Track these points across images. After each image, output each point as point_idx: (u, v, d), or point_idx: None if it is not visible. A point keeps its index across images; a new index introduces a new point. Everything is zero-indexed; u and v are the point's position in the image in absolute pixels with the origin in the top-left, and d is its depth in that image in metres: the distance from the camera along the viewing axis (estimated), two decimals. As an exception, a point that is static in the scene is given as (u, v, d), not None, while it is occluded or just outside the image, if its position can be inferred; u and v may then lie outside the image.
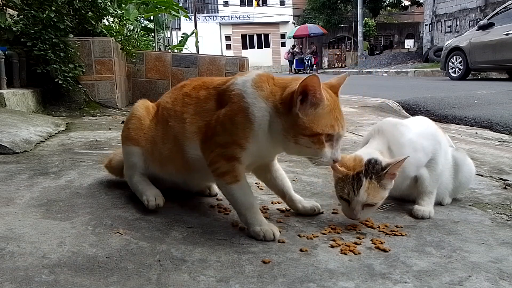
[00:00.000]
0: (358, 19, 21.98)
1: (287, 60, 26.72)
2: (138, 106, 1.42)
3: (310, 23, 27.70)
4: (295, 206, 1.31)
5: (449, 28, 16.98)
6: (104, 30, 4.40)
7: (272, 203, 1.43)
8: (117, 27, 4.82)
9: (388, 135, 1.32)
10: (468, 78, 10.10)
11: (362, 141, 1.45)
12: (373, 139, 1.34)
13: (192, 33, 8.57)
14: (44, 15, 3.45)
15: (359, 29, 22.00)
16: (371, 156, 1.21)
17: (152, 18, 6.70)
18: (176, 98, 1.30)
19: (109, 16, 4.69)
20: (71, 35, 3.80)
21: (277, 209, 1.37)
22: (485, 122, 4.02)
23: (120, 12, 4.78)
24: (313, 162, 1.09)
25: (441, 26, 17.48)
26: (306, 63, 23.81)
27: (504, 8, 9.42)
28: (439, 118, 4.47)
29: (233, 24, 31.71)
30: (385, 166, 1.18)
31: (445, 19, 17.21)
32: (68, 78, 3.66)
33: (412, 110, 5.17)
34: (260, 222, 1.13)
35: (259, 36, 32.76)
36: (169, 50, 7.89)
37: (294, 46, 27.00)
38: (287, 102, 1.05)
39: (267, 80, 1.12)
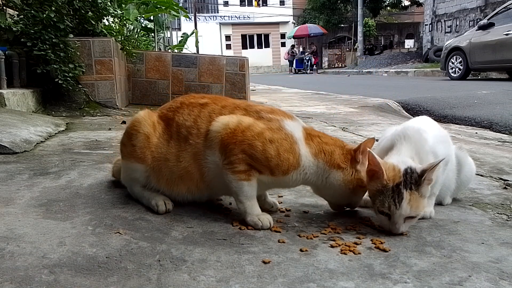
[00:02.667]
0: (358, 19, 21.99)
1: (287, 60, 26.76)
2: (144, 121, 1.34)
3: (310, 23, 27.72)
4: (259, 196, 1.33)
5: (449, 28, 16.97)
6: (104, 30, 4.40)
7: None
8: (117, 27, 4.81)
9: (414, 141, 1.27)
10: (468, 78, 10.11)
11: (383, 145, 1.37)
12: (400, 145, 1.28)
13: (192, 33, 8.56)
14: (44, 15, 3.45)
15: (359, 29, 22.01)
16: (406, 165, 1.15)
17: (152, 18, 6.70)
18: (200, 116, 1.28)
19: (109, 16, 4.68)
20: (71, 35, 3.80)
21: (277, 209, 1.37)
22: (485, 122, 4.02)
23: (120, 12, 4.77)
24: (340, 207, 1.35)
25: (441, 26, 17.48)
26: (306, 63, 23.83)
27: (504, 8, 9.42)
28: (439, 118, 4.47)
29: (233, 24, 31.72)
30: (421, 172, 1.13)
31: (445, 19, 17.21)
32: (68, 78, 3.66)
33: (412, 110, 5.18)
34: (257, 212, 1.23)
35: (259, 36, 32.78)
36: (169, 50, 7.89)
37: (293, 46, 27.01)
38: (348, 159, 1.24)
39: (314, 139, 1.25)
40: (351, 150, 1.24)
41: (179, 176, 1.29)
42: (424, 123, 1.38)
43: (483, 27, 9.40)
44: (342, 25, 28.49)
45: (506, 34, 8.65)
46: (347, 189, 1.24)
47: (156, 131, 1.33)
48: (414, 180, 1.13)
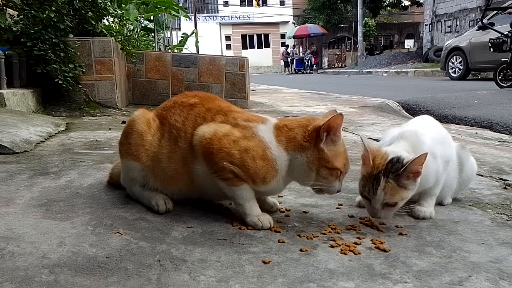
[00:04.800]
0: (358, 19, 21.99)
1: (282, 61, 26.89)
2: (138, 119, 1.36)
3: (310, 23, 27.73)
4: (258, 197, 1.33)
5: (449, 28, 16.98)
6: (104, 30, 4.39)
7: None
8: (117, 27, 4.81)
9: (412, 144, 1.28)
10: (468, 78, 10.11)
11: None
12: (398, 142, 1.30)
13: (192, 33, 8.56)
14: (44, 15, 3.45)
15: (359, 29, 22.01)
16: (396, 154, 1.19)
17: (152, 18, 6.69)
18: (187, 118, 1.29)
19: (109, 16, 4.68)
20: (71, 35, 3.80)
21: (277, 209, 1.37)
22: (485, 122, 4.02)
23: (120, 12, 4.77)
24: (319, 191, 1.23)
25: (441, 26, 17.49)
26: (306, 63, 23.84)
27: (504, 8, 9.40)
28: (439, 118, 4.46)
29: (233, 24, 31.71)
30: (404, 163, 1.15)
31: (445, 19, 17.22)
32: (68, 78, 3.65)
33: (412, 110, 5.18)
34: (257, 213, 1.22)
35: (259, 36, 32.77)
36: (169, 50, 7.89)
37: (288, 46, 27.06)
38: (313, 137, 1.18)
39: (282, 130, 1.22)
40: (317, 127, 1.18)
41: (170, 176, 1.30)
42: (422, 124, 1.40)
43: (483, 27, 9.39)
44: (342, 25, 28.48)
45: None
46: (313, 172, 1.19)
47: (150, 128, 1.34)
48: (395, 169, 1.16)
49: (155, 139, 1.32)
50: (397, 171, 1.15)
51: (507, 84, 7.33)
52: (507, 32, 7.31)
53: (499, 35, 7.51)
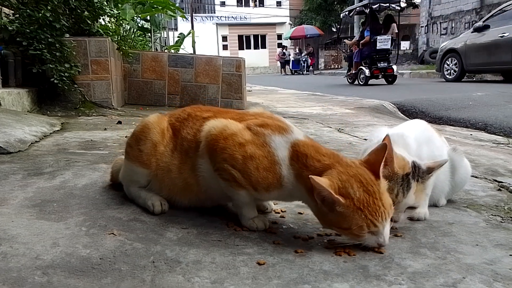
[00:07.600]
0: (355, 20, 22.03)
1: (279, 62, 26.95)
2: (154, 128, 1.33)
3: (306, 24, 27.79)
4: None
5: (445, 30, 17.05)
6: (100, 30, 4.38)
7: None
8: (114, 27, 4.80)
9: (401, 147, 1.29)
10: (463, 80, 10.14)
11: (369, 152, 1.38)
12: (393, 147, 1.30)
13: (189, 33, 8.56)
14: (40, 14, 3.43)
15: (355, 30, 22.05)
16: (411, 159, 1.20)
17: (148, 18, 6.68)
18: (199, 130, 1.27)
19: (106, 16, 4.66)
20: (67, 35, 3.78)
21: (272, 210, 1.37)
22: (480, 123, 4.04)
23: (117, 12, 4.75)
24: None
25: (437, 28, 17.56)
26: (303, 64, 23.90)
27: (499, 10, 9.47)
28: (434, 119, 4.49)
29: (229, 25, 31.72)
30: (428, 169, 1.19)
31: (441, 21, 17.29)
32: (64, 78, 3.63)
33: (407, 111, 5.19)
34: (253, 215, 1.23)
35: (255, 36, 32.80)
36: (166, 50, 7.88)
37: (285, 47, 27.12)
38: (312, 192, 1.04)
39: (299, 157, 1.11)
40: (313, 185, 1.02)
41: (181, 188, 1.29)
42: (407, 126, 1.43)
43: (479, 29, 9.44)
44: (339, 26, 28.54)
45: (501, 36, 8.69)
46: (325, 224, 1.10)
47: (164, 139, 1.32)
48: (422, 173, 1.19)
49: (167, 149, 1.31)
50: (423, 175, 1.18)
51: (351, 81, 11.40)
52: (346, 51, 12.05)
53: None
